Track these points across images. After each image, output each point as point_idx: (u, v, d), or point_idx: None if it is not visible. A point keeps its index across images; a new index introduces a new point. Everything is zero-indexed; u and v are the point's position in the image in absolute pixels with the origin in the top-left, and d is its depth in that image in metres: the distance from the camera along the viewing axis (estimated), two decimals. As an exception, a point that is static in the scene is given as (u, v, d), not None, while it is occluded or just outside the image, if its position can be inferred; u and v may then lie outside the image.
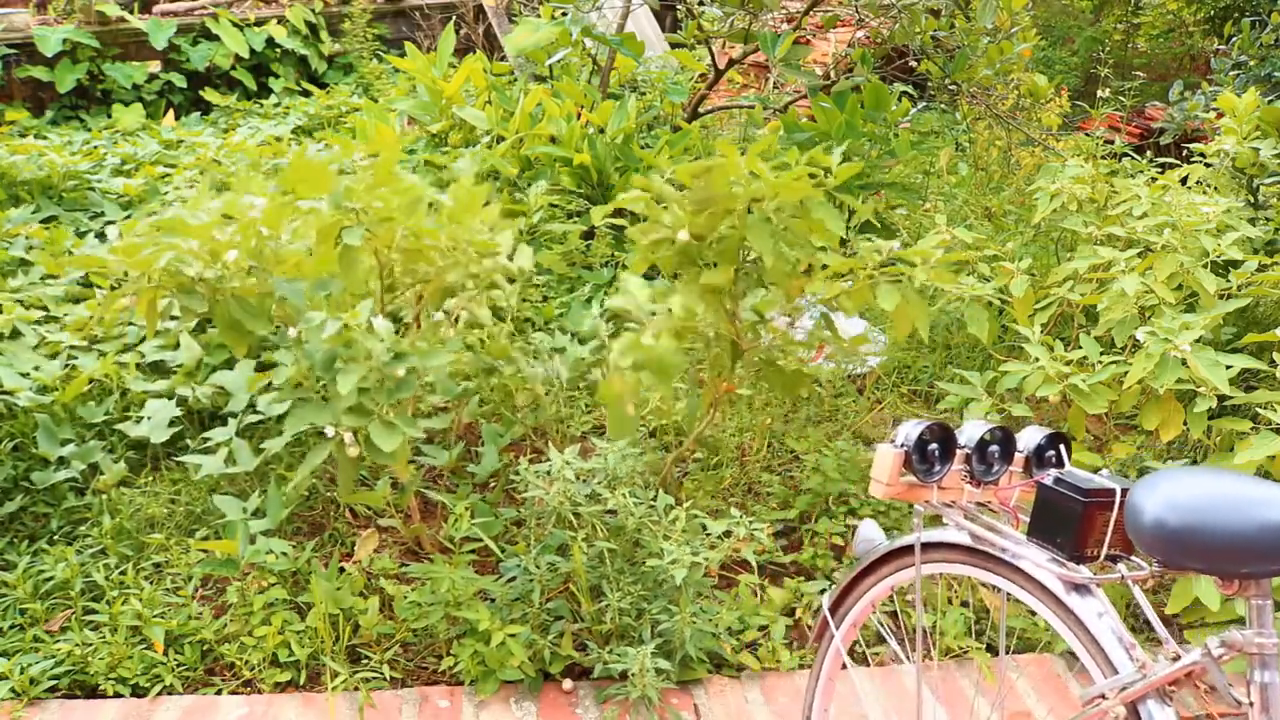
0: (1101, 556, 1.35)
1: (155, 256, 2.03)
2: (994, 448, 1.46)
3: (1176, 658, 1.29)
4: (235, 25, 6.44)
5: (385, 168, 2.16)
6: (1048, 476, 1.37)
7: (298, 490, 2.43)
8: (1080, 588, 1.35)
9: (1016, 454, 1.48)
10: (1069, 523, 1.33)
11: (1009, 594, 1.43)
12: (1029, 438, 1.50)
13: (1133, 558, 1.35)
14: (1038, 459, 1.49)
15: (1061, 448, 1.50)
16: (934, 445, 1.44)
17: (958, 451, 1.45)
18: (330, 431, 2.12)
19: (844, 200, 2.45)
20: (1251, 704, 1.22)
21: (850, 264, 2.40)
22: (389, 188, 2.15)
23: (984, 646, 2.40)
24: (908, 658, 2.27)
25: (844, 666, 1.76)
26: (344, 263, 2.10)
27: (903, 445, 1.43)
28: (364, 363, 2.05)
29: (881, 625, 2.30)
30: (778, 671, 2.33)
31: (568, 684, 2.27)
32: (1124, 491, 1.32)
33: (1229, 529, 1.20)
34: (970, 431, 1.46)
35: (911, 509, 1.51)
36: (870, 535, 1.66)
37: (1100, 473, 1.38)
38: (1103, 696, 1.30)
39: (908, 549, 1.55)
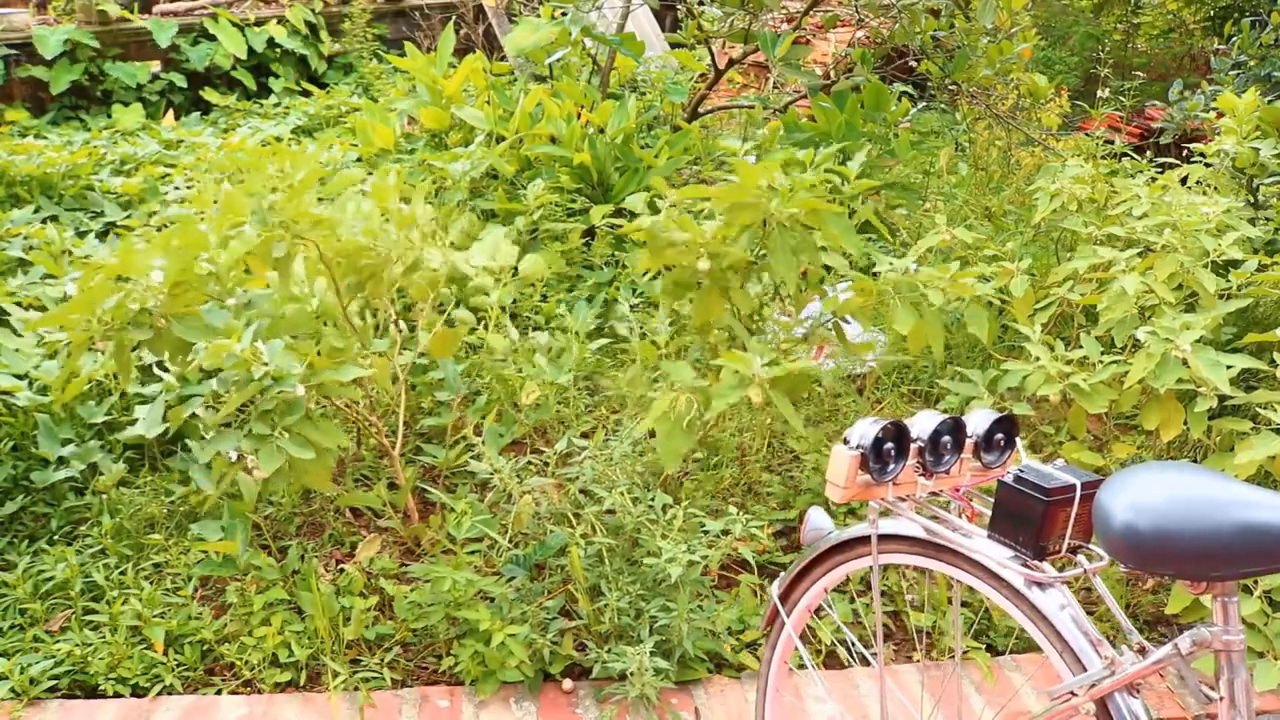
0: (1063, 550, 1.34)
1: (101, 303, 2.10)
2: (946, 438, 1.45)
3: (1141, 649, 1.29)
4: (235, 25, 6.43)
5: (305, 184, 2.21)
6: (1008, 474, 1.35)
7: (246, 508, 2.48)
8: (1043, 584, 1.35)
9: (967, 440, 1.48)
10: (1031, 521, 1.32)
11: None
12: (977, 422, 1.49)
13: (1091, 545, 1.35)
14: (986, 443, 1.49)
15: (1008, 431, 1.50)
16: (889, 444, 1.43)
17: (911, 446, 1.44)
18: (233, 455, 2.19)
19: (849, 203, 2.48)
20: (1222, 698, 1.22)
21: (868, 284, 2.44)
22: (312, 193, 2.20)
23: (984, 647, 2.40)
24: (866, 658, 2.26)
25: (799, 665, 1.73)
26: (280, 274, 2.17)
27: (858, 447, 1.41)
28: (246, 388, 2.09)
29: (840, 625, 2.30)
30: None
31: (568, 684, 2.27)
32: (1084, 485, 1.31)
33: (1201, 533, 1.18)
34: (923, 424, 1.45)
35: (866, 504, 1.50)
36: (819, 524, 1.64)
37: (1055, 464, 1.37)
38: (1072, 694, 1.30)
39: (861, 539, 1.55)
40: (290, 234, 2.18)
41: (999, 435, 1.50)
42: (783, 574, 1.70)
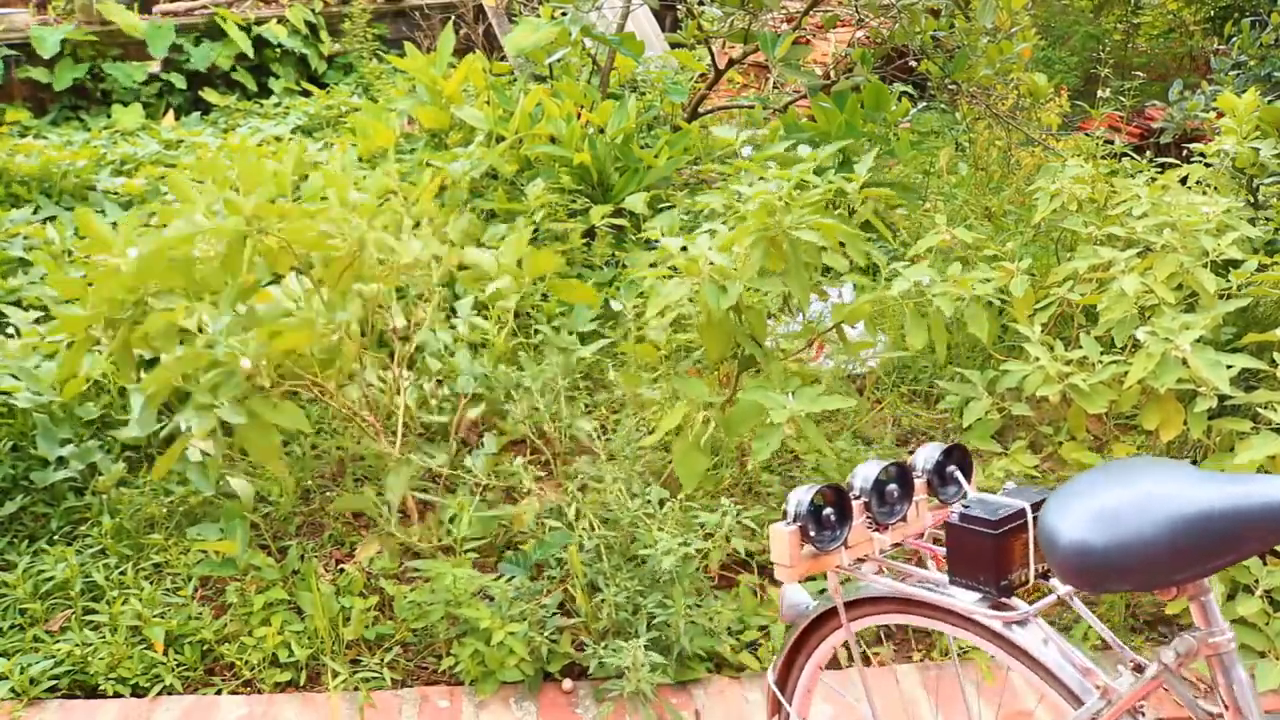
0: (1031, 579, 1.28)
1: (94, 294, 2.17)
2: (892, 486, 1.38)
3: (1137, 667, 1.24)
4: (241, 27, 6.43)
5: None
6: (953, 513, 1.28)
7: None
8: (1018, 622, 1.28)
9: (916, 480, 1.41)
10: (986, 558, 1.25)
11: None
12: (926, 457, 1.43)
13: None
14: (939, 478, 1.42)
15: (960, 461, 1.44)
16: (828, 510, 1.34)
17: (854, 502, 1.36)
18: (183, 426, 2.23)
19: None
20: (1227, 707, 1.15)
21: (881, 296, 2.44)
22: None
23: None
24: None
25: None
26: (229, 263, 2.22)
27: (795, 520, 1.32)
28: (182, 357, 2.14)
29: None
30: (778, 671, 2.33)
31: (567, 684, 2.27)
32: (1034, 505, 1.25)
33: (1153, 539, 1.10)
34: (864, 475, 1.37)
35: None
36: (796, 600, 1.53)
37: (1005, 488, 1.31)
38: None
39: (832, 610, 1.47)
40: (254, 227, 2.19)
41: (951, 467, 1.43)
42: (774, 659, 1.62)
